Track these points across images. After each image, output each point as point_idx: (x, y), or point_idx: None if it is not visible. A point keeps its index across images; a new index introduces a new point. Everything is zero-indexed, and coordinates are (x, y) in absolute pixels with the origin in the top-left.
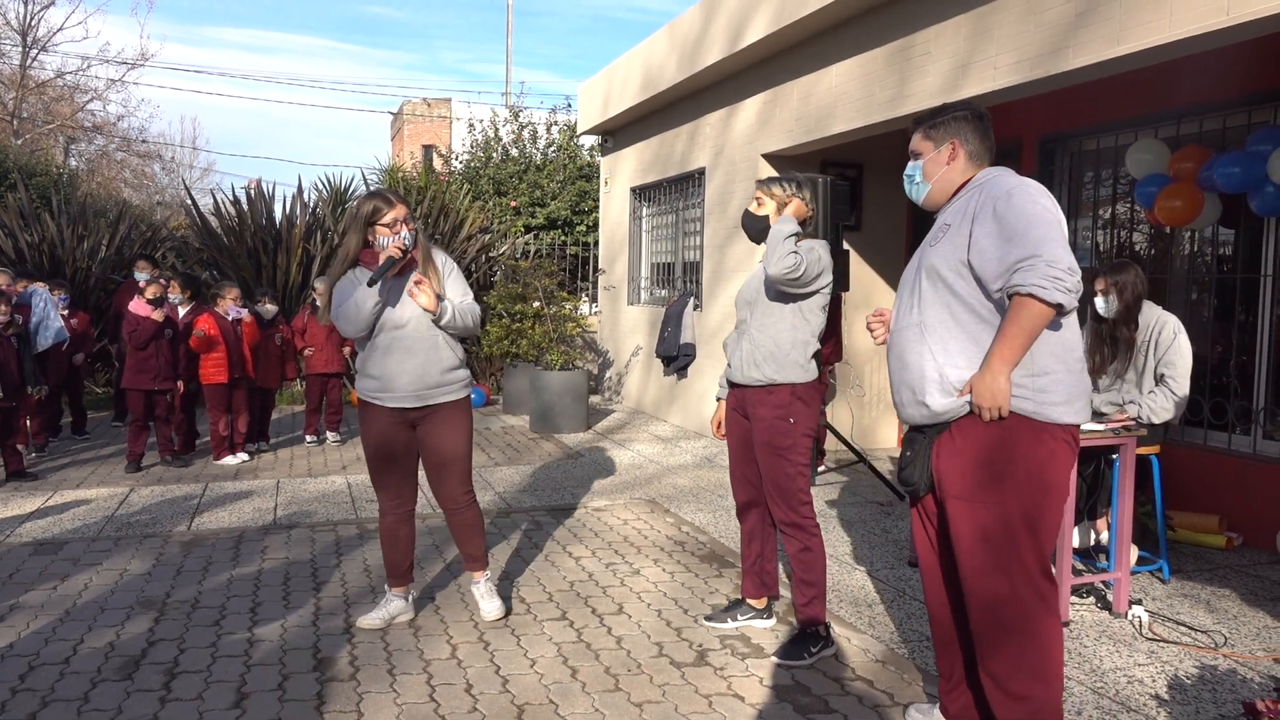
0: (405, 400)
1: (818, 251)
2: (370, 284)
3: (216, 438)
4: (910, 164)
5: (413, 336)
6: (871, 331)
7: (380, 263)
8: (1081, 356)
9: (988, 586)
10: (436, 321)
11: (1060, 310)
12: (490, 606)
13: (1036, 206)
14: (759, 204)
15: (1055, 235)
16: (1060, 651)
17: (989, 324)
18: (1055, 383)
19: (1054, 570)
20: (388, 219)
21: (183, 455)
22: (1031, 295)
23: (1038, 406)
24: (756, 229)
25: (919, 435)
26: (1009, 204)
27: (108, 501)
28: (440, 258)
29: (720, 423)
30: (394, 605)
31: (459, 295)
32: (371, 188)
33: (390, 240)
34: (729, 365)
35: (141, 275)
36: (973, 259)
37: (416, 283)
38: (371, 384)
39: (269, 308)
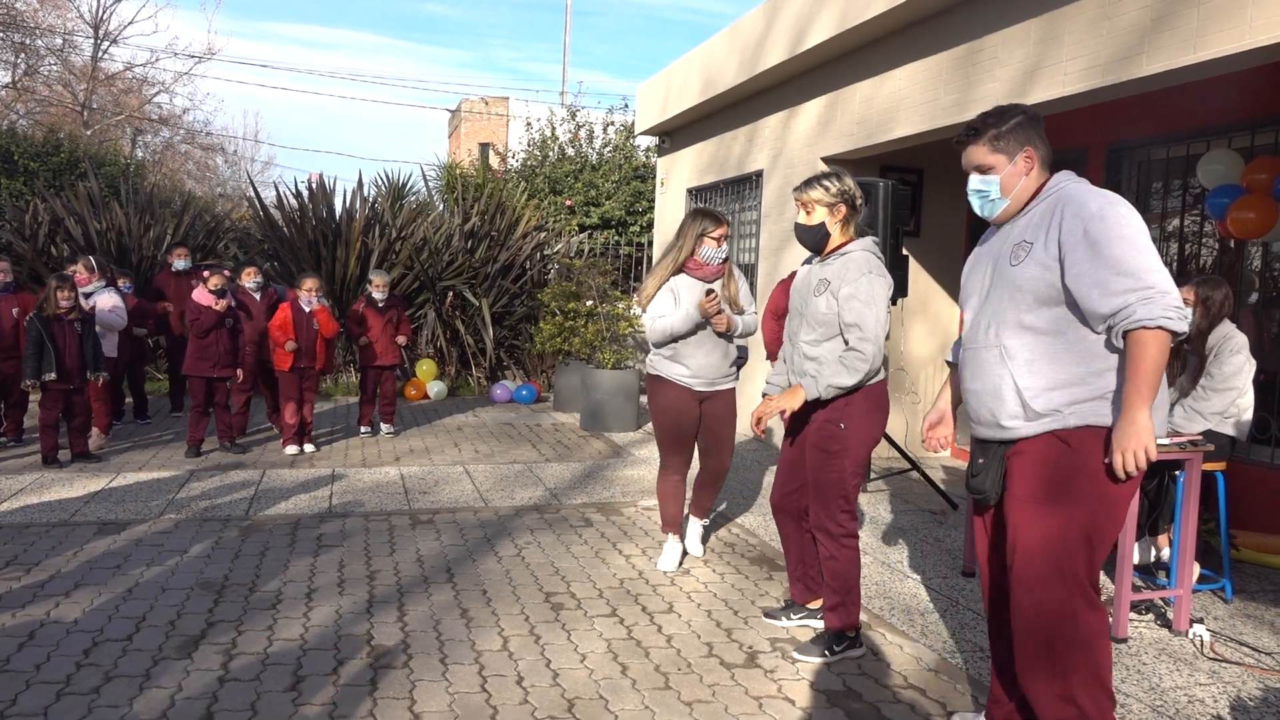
0: (701, 385)
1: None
2: (699, 325)
3: (286, 426)
4: (979, 179)
5: (711, 339)
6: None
7: (707, 304)
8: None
9: (1044, 595)
10: (729, 335)
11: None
12: (694, 547)
13: (1131, 229)
14: (808, 212)
15: (1156, 263)
16: (1108, 664)
17: (1078, 348)
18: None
19: (1113, 583)
20: (716, 234)
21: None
22: (1161, 328)
23: (1102, 419)
24: (815, 239)
25: (992, 444)
26: (1103, 227)
27: (168, 485)
28: (738, 272)
29: (760, 417)
30: (673, 546)
31: (747, 305)
32: (436, 186)
33: (712, 255)
34: (776, 372)
35: (180, 262)
36: (1069, 284)
37: (716, 314)
38: (678, 369)
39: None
